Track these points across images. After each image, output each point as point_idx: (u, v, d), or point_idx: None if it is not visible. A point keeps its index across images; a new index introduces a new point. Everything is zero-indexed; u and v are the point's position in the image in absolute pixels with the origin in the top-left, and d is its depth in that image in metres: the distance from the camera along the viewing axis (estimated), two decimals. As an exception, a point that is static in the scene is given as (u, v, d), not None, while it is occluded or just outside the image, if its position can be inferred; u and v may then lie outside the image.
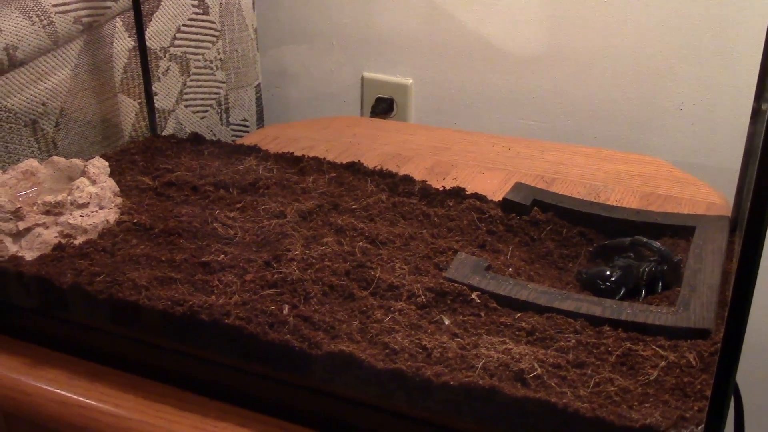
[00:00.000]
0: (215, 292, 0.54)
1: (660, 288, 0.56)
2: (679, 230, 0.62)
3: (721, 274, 0.55)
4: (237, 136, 1.05)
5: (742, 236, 0.36)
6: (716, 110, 0.92)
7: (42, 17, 0.74)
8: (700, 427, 0.41)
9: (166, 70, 0.91)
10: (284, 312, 0.51)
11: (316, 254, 0.58)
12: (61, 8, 0.76)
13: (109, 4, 0.81)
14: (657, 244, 0.59)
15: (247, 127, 1.07)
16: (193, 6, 0.93)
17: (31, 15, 0.73)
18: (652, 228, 0.63)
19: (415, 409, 0.47)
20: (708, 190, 0.78)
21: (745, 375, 0.59)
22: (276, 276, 0.55)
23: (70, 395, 0.54)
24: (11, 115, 0.73)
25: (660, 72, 0.93)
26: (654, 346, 0.48)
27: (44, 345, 0.58)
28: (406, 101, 1.12)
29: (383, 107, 1.13)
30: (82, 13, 0.78)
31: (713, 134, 0.92)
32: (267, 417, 0.51)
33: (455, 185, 0.71)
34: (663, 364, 0.46)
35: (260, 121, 1.10)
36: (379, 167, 0.75)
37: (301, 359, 0.49)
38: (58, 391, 0.54)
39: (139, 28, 0.82)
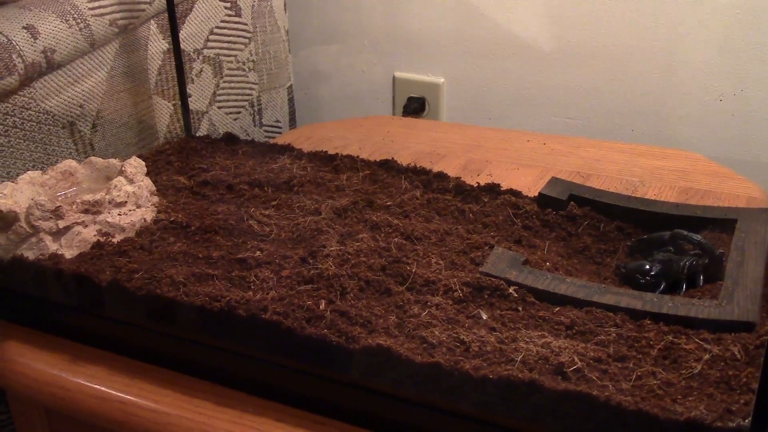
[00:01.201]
0: (252, 287, 0.54)
1: (701, 282, 0.55)
2: (719, 223, 0.61)
3: (765, 267, 0.54)
4: (270, 136, 1.05)
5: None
6: (753, 103, 0.90)
7: (79, 20, 0.75)
8: (747, 420, 0.40)
9: (200, 72, 0.92)
10: (321, 307, 0.51)
11: (351, 250, 0.58)
12: (97, 11, 0.77)
13: (143, 6, 0.82)
14: (698, 237, 0.58)
15: (279, 128, 1.07)
16: (225, 8, 0.94)
17: (68, 18, 0.74)
18: (692, 221, 0.62)
19: (453, 403, 0.46)
20: (748, 184, 0.76)
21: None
22: (312, 272, 0.55)
23: (109, 391, 0.54)
24: (49, 117, 0.74)
25: (696, 65, 0.92)
26: (697, 340, 0.47)
27: (84, 342, 0.59)
28: (437, 101, 1.12)
29: (415, 107, 1.12)
30: (118, 15, 0.79)
31: (751, 128, 0.90)
32: (304, 412, 0.51)
33: (490, 181, 0.70)
34: (707, 357, 0.45)
35: (293, 122, 1.11)
36: (413, 164, 0.74)
37: (338, 354, 0.48)
38: (97, 387, 0.55)
39: (173, 30, 0.83)
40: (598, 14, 0.95)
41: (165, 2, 0.82)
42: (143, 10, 0.82)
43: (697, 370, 0.45)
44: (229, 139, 0.83)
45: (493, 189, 0.69)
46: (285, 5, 1.05)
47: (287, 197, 0.68)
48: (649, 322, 0.49)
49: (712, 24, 0.90)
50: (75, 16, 0.75)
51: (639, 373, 0.45)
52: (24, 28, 0.70)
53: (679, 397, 0.43)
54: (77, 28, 0.75)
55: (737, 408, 0.41)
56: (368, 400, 0.49)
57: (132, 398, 0.54)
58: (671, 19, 0.91)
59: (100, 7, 0.77)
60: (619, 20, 0.94)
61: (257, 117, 1.03)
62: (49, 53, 0.72)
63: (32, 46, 0.70)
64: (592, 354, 0.46)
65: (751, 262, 0.54)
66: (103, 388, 0.55)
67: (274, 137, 1.04)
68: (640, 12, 0.93)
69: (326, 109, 1.20)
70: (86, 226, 0.61)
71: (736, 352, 0.46)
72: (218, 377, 0.54)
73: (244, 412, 0.51)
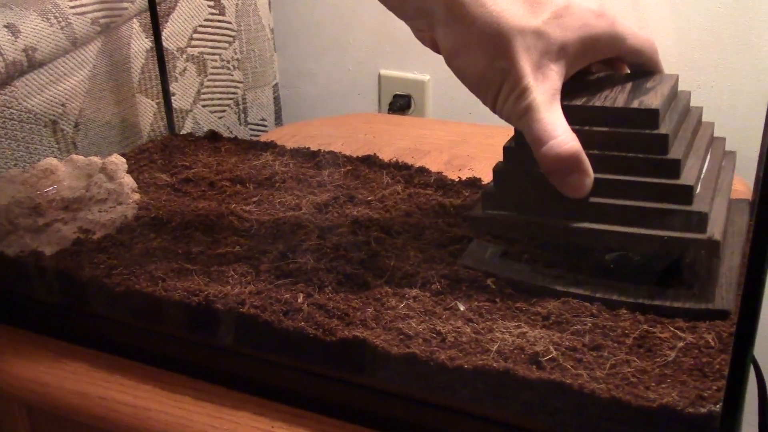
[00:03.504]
0: (231, 282, 0.54)
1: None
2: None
3: (741, 256, 0.54)
4: (255, 135, 1.05)
5: (756, 204, 0.35)
6: (732, 95, 0.90)
7: (60, 19, 0.75)
8: (718, 406, 0.40)
9: (184, 71, 0.92)
10: (299, 300, 0.52)
11: (330, 244, 0.58)
12: (78, 10, 0.77)
13: (125, 5, 0.82)
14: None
15: (265, 126, 1.08)
16: (209, 6, 0.94)
17: (49, 17, 0.74)
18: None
19: (429, 393, 0.47)
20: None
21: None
22: (291, 266, 0.55)
23: (90, 387, 0.54)
24: (31, 115, 0.74)
25: (673, 58, 0.92)
26: (672, 328, 0.47)
27: (64, 338, 0.59)
28: (423, 98, 1.12)
29: (401, 104, 1.13)
30: (100, 14, 0.79)
31: (730, 120, 0.91)
32: (282, 405, 0.51)
33: (471, 176, 0.71)
34: (681, 345, 0.46)
35: (278, 121, 1.11)
36: (394, 160, 0.75)
37: (315, 346, 0.49)
38: (78, 383, 0.55)
39: (155, 29, 0.83)
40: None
41: (147, 0, 0.82)
42: (126, 9, 0.82)
43: (671, 358, 0.45)
44: (213, 136, 0.83)
45: (474, 183, 0.70)
46: (269, 3, 1.05)
47: (269, 193, 0.69)
48: (625, 311, 0.50)
49: (695, 20, 0.90)
50: (56, 14, 0.75)
51: (613, 362, 0.45)
52: (5, 26, 0.70)
53: (653, 384, 0.43)
54: (59, 27, 0.75)
55: (709, 394, 0.41)
56: (345, 392, 0.49)
57: (112, 393, 0.54)
58: (649, 12, 0.92)
59: (81, 5, 0.77)
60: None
61: (242, 115, 1.03)
62: (30, 52, 0.72)
63: (13, 44, 0.71)
64: (567, 343, 0.46)
65: (728, 251, 0.55)
66: (83, 385, 0.55)
67: (259, 135, 1.04)
68: (623, 7, 0.93)
69: (312, 107, 1.20)
70: (66, 223, 0.61)
71: (711, 340, 0.46)
72: (197, 372, 0.54)
73: (222, 406, 0.51)
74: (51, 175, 0.68)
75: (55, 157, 0.73)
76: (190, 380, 0.54)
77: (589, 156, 0.50)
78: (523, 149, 0.52)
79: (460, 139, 0.90)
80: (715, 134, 0.60)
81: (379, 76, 1.14)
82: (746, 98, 0.90)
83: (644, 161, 0.50)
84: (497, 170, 0.55)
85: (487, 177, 0.71)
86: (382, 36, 1.10)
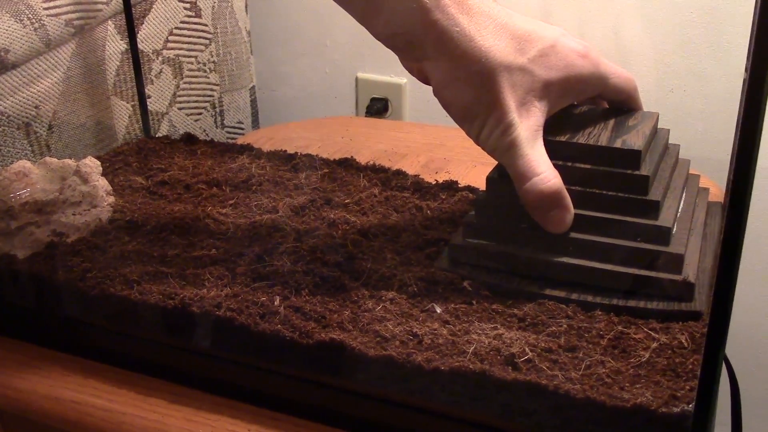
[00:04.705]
0: (206, 285, 0.54)
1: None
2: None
3: (714, 258, 0.55)
4: (232, 138, 1.05)
5: (726, 202, 0.36)
6: (705, 100, 0.92)
7: (33, 20, 0.74)
8: (691, 405, 0.40)
9: (159, 73, 0.92)
10: (276, 303, 0.51)
11: (307, 247, 0.58)
12: (52, 11, 0.76)
13: (100, 7, 0.81)
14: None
15: (242, 129, 1.07)
16: (185, 9, 0.93)
17: (22, 18, 0.73)
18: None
19: (405, 395, 0.47)
20: (702, 179, 0.77)
21: (748, 368, 0.59)
22: (268, 269, 0.55)
23: (63, 391, 0.54)
24: (3, 118, 0.73)
25: (652, 63, 0.93)
26: (646, 329, 0.48)
27: (37, 343, 0.58)
28: (400, 101, 1.12)
29: (378, 107, 1.13)
30: (74, 16, 0.78)
31: (704, 124, 0.92)
32: (259, 408, 0.51)
33: (448, 179, 0.71)
34: (655, 345, 0.46)
35: (255, 123, 1.10)
36: (371, 163, 0.75)
37: (292, 349, 0.49)
38: (51, 387, 0.54)
39: (130, 30, 0.82)
40: (556, 13, 0.96)
41: (122, 2, 0.82)
42: (100, 11, 0.81)
43: (645, 359, 0.45)
44: (189, 139, 0.82)
45: (450, 186, 0.70)
46: (246, 6, 1.04)
47: (245, 196, 0.68)
48: (600, 313, 0.50)
49: (668, 23, 0.91)
50: (29, 15, 0.74)
51: (588, 363, 0.45)
52: (-24, 27, 0.69)
53: (627, 384, 0.43)
54: (32, 28, 0.74)
55: (682, 394, 0.42)
56: (322, 394, 0.49)
57: (86, 397, 0.53)
58: (627, 18, 0.93)
59: (55, 7, 0.76)
60: (576, 19, 0.95)
61: (219, 118, 1.03)
62: (2, 53, 0.72)
63: (-15, 45, 0.70)
64: (543, 345, 0.47)
65: (702, 253, 0.55)
66: (56, 389, 0.54)
67: (236, 138, 1.04)
68: (598, 10, 0.94)
69: (289, 110, 1.20)
70: (39, 226, 0.61)
71: (683, 341, 0.46)
72: (173, 375, 0.54)
73: (198, 409, 0.51)
74: (24, 177, 0.67)
75: (28, 159, 0.72)
76: (165, 384, 0.53)
77: (570, 191, 0.52)
78: (505, 181, 0.53)
79: (437, 143, 0.90)
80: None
81: (357, 79, 1.14)
82: (717, 102, 0.92)
83: (624, 200, 0.51)
84: (478, 200, 0.56)
85: (463, 180, 0.71)
86: (360, 39, 1.10)
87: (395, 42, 0.53)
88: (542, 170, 0.51)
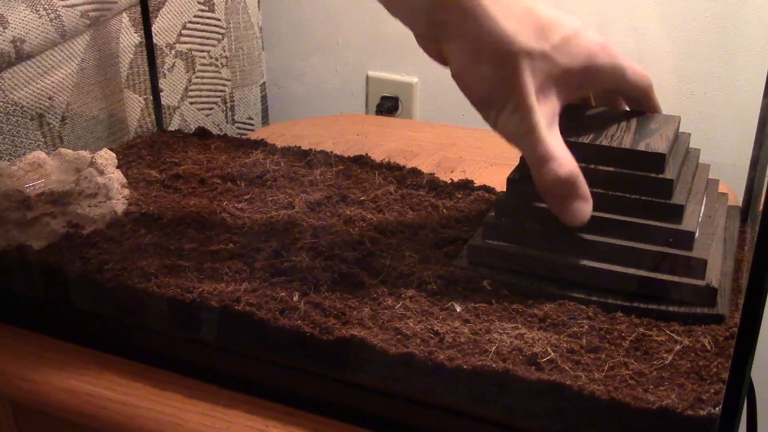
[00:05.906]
0: (225, 279, 0.54)
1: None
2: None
3: (734, 262, 0.55)
4: (242, 133, 1.05)
5: (762, 211, 0.36)
6: (718, 104, 0.91)
7: (49, 11, 0.74)
8: (717, 408, 0.40)
9: (172, 67, 0.91)
10: (294, 299, 0.51)
11: (325, 243, 0.58)
12: (68, 2, 0.76)
13: (115, -1, 0.81)
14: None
15: (252, 125, 1.07)
16: (199, 3, 0.93)
17: (38, 8, 0.73)
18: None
19: (427, 394, 0.46)
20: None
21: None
22: (286, 264, 0.55)
23: (78, 384, 0.53)
24: (18, 108, 0.73)
25: (664, 69, 0.93)
26: (668, 332, 0.48)
27: (53, 335, 0.58)
28: (411, 100, 1.12)
29: (388, 106, 1.13)
30: (89, 7, 0.78)
31: (716, 128, 0.92)
32: (276, 404, 0.50)
33: (463, 178, 0.71)
34: (678, 348, 0.46)
35: (265, 120, 1.10)
36: (386, 161, 0.74)
37: (311, 345, 0.48)
38: (66, 379, 0.54)
39: (146, 24, 0.82)
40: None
41: (137, -5, 0.82)
42: (115, 3, 0.81)
43: (668, 361, 0.45)
44: (202, 133, 0.82)
45: (466, 185, 0.70)
46: (259, 2, 1.04)
47: (260, 191, 0.68)
48: (621, 314, 0.50)
49: (679, 29, 0.91)
50: (45, 6, 0.74)
51: (611, 364, 0.45)
52: (-7, 17, 0.69)
53: (651, 386, 0.43)
54: (47, 19, 0.74)
55: (707, 397, 0.41)
56: (341, 391, 0.49)
57: (102, 391, 0.53)
58: (641, 23, 0.93)
59: (71, -2, 0.76)
60: (592, 24, 0.95)
61: (230, 113, 1.02)
62: (18, 43, 0.71)
63: (1, 35, 0.69)
64: (565, 345, 0.47)
65: (723, 257, 0.55)
66: (71, 381, 0.54)
67: (246, 134, 1.04)
68: (608, 16, 0.94)
69: (299, 107, 1.20)
70: (55, 217, 0.60)
71: (707, 344, 0.46)
72: (189, 370, 0.53)
73: (215, 404, 0.51)
74: (39, 168, 0.67)
75: (42, 150, 0.71)
76: (182, 378, 0.53)
77: (592, 194, 0.51)
78: (526, 182, 0.52)
79: (449, 142, 0.90)
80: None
81: (367, 77, 1.13)
82: (730, 108, 0.91)
83: (647, 204, 0.51)
84: (498, 201, 0.55)
85: (477, 179, 0.71)
86: (371, 37, 1.10)
87: (416, 21, 0.52)
88: (560, 155, 0.50)
